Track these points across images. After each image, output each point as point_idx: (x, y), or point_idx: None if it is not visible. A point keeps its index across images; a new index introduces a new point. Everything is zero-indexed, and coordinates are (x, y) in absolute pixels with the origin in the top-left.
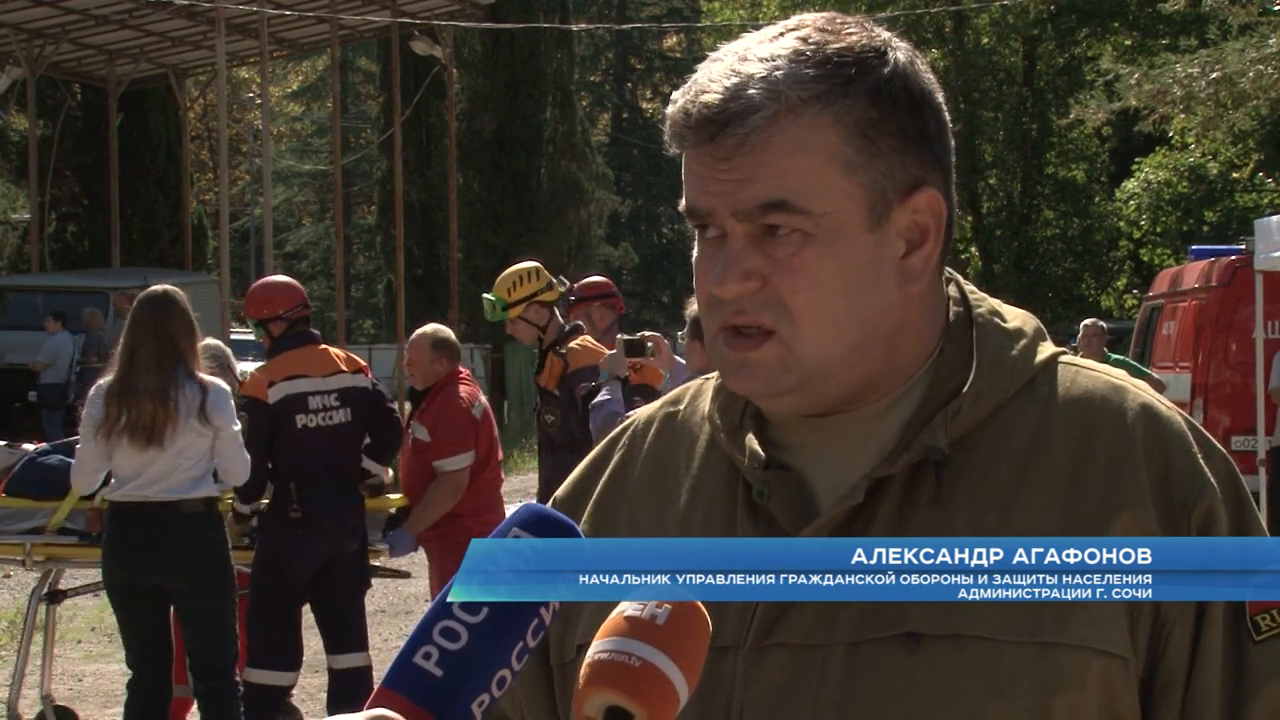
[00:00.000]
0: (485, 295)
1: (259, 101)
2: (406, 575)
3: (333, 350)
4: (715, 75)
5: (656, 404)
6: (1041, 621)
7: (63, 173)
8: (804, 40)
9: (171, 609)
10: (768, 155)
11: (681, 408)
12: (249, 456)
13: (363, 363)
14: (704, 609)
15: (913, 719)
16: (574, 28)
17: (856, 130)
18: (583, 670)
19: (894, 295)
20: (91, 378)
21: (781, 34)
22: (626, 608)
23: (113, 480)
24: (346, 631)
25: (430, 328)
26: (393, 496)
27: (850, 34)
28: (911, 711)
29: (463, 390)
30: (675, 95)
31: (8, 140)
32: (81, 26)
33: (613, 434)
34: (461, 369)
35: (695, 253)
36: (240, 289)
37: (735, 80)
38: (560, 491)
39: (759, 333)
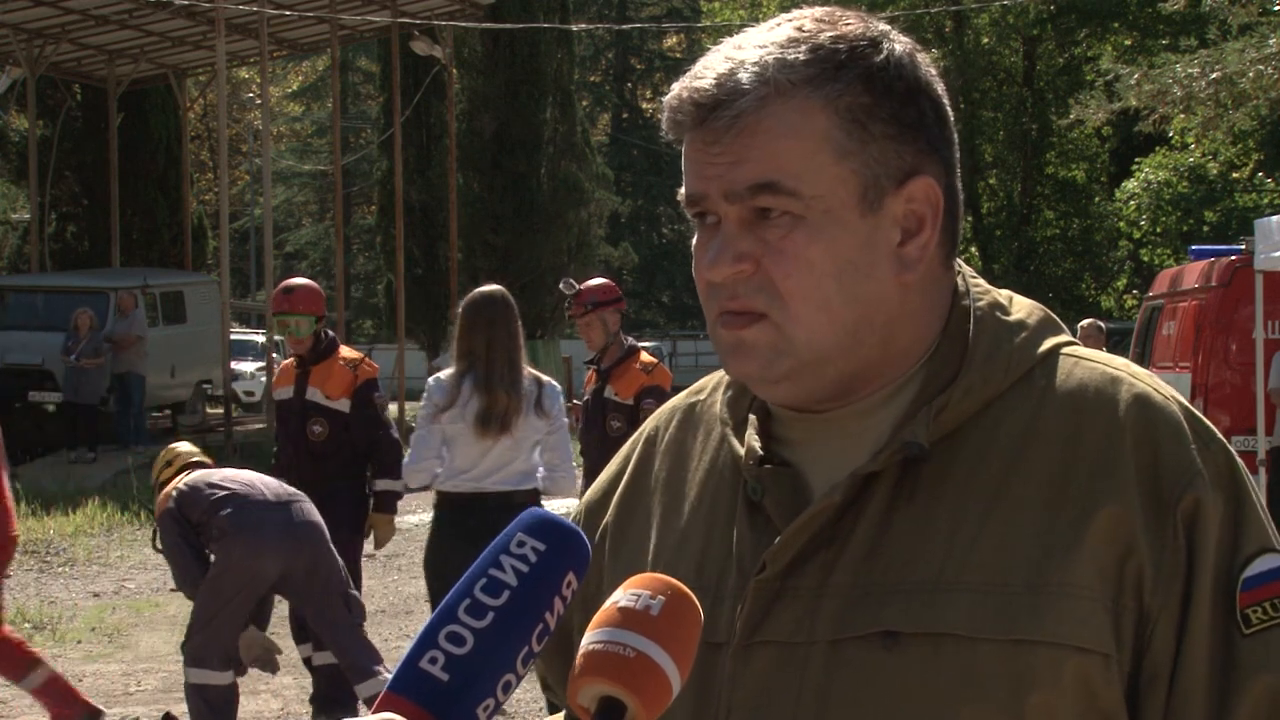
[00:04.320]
0: None
1: (259, 101)
2: None
3: None
4: (710, 63)
5: (683, 394)
6: (1017, 619)
7: (63, 173)
8: (799, 29)
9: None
10: (757, 138)
11: (703, 398)
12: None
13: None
14: (696, 600)
15: (889, 717)
16: (574, 28)
17: (848, 115)
18: (577, 661)
19: (890, 283)
20: (81, 377)
21: (779, 25)
22: (620, 598)
23: (443, 472)
24: None
25: None
26: None
27: (847, 25)
28: (888, 710)
29: None
30: (673, 85)
31: (8, 140)
32: (81, 26)
33: (641, 428)
34: None
35: (694, 242)
36: (240, 289)
37: (727, 66)
38: (589, 494)
39: (751, 315)
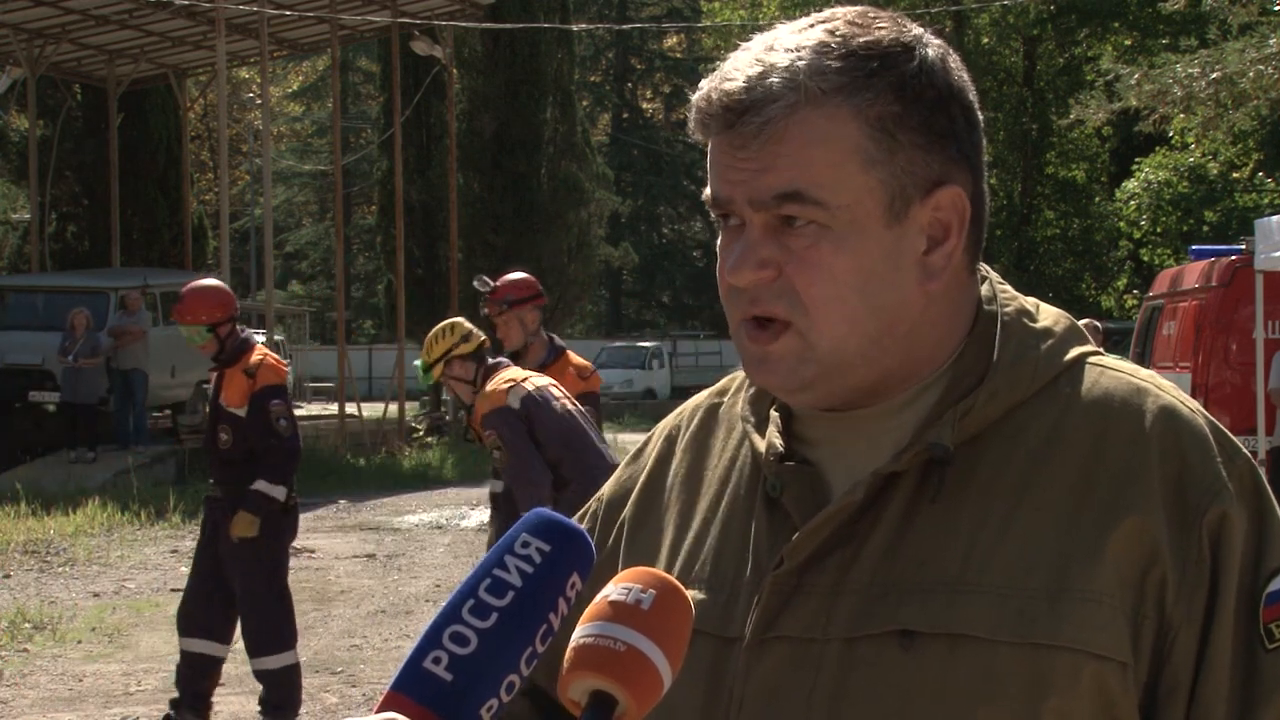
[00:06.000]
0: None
1: (259, 101)
2: None
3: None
4: (740, 64)
5: (705, 393)
6: (1036, 623)
7: (63, 173)
8: (831, 33)
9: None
10: (785, 146)
11: (726, 398)
12: None
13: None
14: (687, 595)
15: (904, 717)
16: (574, 28)
17: (877, 125)
18: (567, 655)
19: (914, 291)
20: (79, 377)
21: (811, 26)
22: (611, 592)
23: None
24: None
25: None
26: None
27: (880, 28)
28: (903, 709)
29: None
30: (702, 83)
31: (8, 140)
32: (81, 26)
33: (662, 423)
34: None
35: (719, 242)
36: (240, 289)
37: (758, 69)
38: (608, 490)
39: (776, 324)
